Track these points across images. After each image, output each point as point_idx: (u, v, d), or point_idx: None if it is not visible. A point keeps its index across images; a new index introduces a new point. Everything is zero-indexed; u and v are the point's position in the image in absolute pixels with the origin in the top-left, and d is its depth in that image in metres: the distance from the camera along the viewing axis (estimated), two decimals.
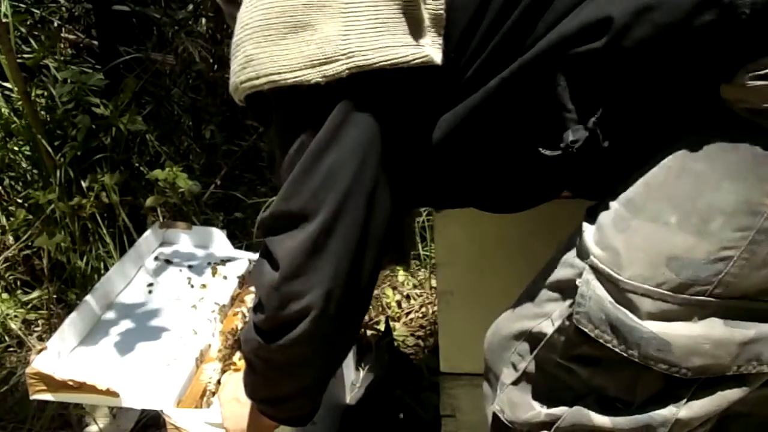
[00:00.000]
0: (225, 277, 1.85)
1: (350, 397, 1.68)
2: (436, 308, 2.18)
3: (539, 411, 1.06)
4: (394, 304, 2.36)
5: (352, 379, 1.75)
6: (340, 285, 1.00)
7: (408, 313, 2.35)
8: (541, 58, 0.94)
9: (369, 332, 2.10)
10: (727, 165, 0.89)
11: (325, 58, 0.93)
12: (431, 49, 0.95)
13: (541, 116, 0.97)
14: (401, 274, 2.43)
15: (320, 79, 0.93)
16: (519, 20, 0.95)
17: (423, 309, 2.34)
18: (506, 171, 1.08)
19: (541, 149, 0.96)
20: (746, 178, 0.88)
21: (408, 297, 2.40)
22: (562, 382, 1.04)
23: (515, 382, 1.08)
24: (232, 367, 1.57)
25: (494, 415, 1.11)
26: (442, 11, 0.95)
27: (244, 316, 1.71)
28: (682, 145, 0.93)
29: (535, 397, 1.07)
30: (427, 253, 2.46)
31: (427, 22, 0.95)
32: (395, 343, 2.13)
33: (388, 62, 0.93)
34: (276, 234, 1.02)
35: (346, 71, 0.93)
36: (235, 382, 1.28)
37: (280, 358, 1.09)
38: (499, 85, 0.98)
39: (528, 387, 1.08)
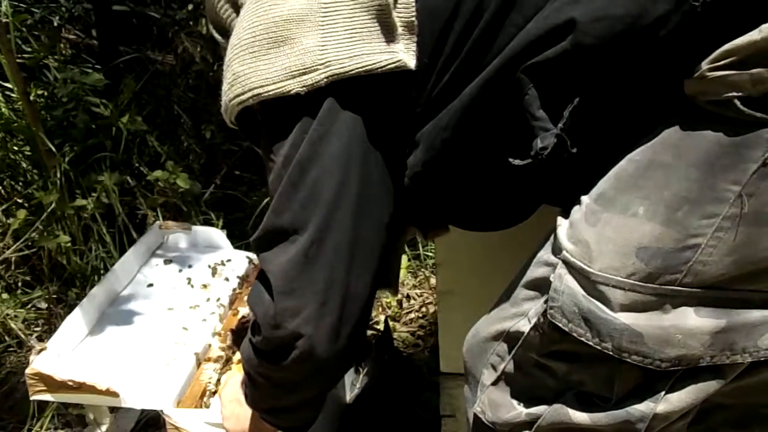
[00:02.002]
0: (226, 279, 1.86)
1: (350, 397, 1.68)
2: (436, 308, 2.18)
3: (520, 411, 1.06)
4: (394, 304, 2.36)
5: (352, 379, 1.75)
6: (334, 297, 1.00)
7: (408, 313, 2.35)
8: (508, 66, 0.95)
9: (369, 332, 2.10)
10: (693, 155, 0.90)
11: (304, 69, 0.96)
12: (405, 54, 0.98)
13: (512, 128, 0.98)
14: (401, 275, 2.43)
15: (300, 89, 0.96)
16: (489, 24, 0.96)
17: (423, 309, 2.34)
18: (483, 187, 1.09)
19: (511, 160, 0.97)
20: (712, 167, 0.89)
21: (408, 297, 2.40)
22: (541, 381, 1.05)
23: (495, 383, 1.09)
24: (233, 366, 1.58)
25: (475, 416, 1.11)
26: (413, 18, 0.98)
27: (243, 316, 1.71)
28: (650, 139, 0.94)
29: (515, 397, 1.07)
30: (427, 253, 2.46)
31: (399, 30, 0.98)
32: (395, 343, 2.13)
33: (364, 68, 0.96)
34: (269, 249, 1.03)
35: (325, 80, 0.96)
36: (236, 382, 1.28)
37: (281, 376, 1.10)
38: (471, 98, 0.99)
39: (508, 387, 1.08)
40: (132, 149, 2.51)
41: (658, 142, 0.93)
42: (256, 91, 0.99)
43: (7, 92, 2.49)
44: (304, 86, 0.96)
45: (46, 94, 2.50)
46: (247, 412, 1.24)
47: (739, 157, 0.87)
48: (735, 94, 0.86)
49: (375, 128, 1.00)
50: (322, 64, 0.96)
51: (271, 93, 0.98)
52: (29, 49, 2.62)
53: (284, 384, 1.12)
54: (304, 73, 0.96)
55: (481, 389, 1.10)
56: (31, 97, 2.29)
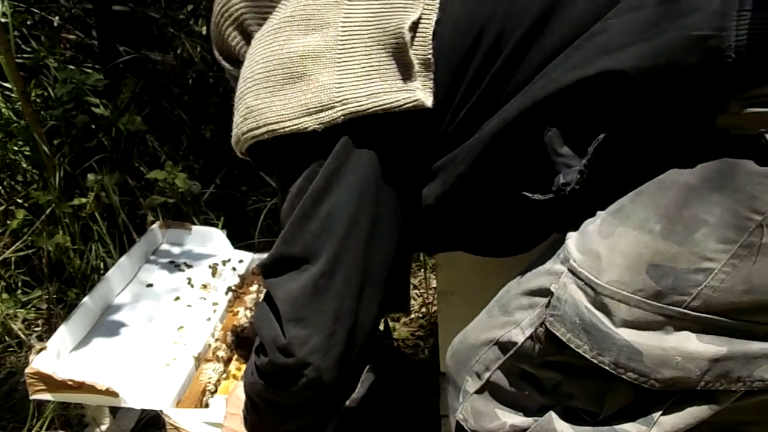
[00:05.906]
0: (225, 278, 1.86)
1: (350, 396, 1.68)
2: (436, 308, 2.18)
3: (503, 422, 1.05)
4: None
5: None
6: (342, 328, 1.01)
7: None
8: (531, 111, 0.95)
9: None
10: (718, 180, 0.90)
11: (321, 106, 0.97)
12: (422, 92, 0.98)
13: (529, 163, 0.98)
14: None
15: (317, 126, 0.97)
16: (508, 61, 0.96)
17: (423, 309, 2.34)
18: (496, 219, 1.09)
19: (530, 195, 0.97)
20: (736, 193, 0.88)
21: None
22: (527, 392, 1.04)
23: (479, 391, 1.08)
24: (233, 366, 1.57)
25: (458, 424, 1.10)
26: (430, 56, 0.98)
27: (244, 316, 1.71)
28: (675, 163, 0.93)
29: (500, 407, 1.06)
30: None
31: (416, 67, 0.98)
32: (395, 343, 2.13)
33: (381, 107, 0.96)
34: (277, 275, 1.04)
35: (342, 118, 0.96)
36: (241, 393, 1.26)
37: (286, 402, 1.10)
38: (490, 137, 0.99)
39: (492, 396, 1.07)
40: (131, 149, 2.51)
41: (684, 166, 0.92)
42: (271, 127, 0.99)
43: (7, 92, 2.48)
44: (320, 123, 0.97)
45: (45, 94, 2.49)
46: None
47: (764, 188, 0.87)
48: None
49: (389, 164, 1.01)
50: (339, 101, 0.96)
51: (287, 129, 0.98)
52: (29, 49, 2.61)
53: (288, 409, 1.11)
54: (321, 111, 0.97)
55: (463, 396, 1.09)
56: (31, 97, 2.29)
